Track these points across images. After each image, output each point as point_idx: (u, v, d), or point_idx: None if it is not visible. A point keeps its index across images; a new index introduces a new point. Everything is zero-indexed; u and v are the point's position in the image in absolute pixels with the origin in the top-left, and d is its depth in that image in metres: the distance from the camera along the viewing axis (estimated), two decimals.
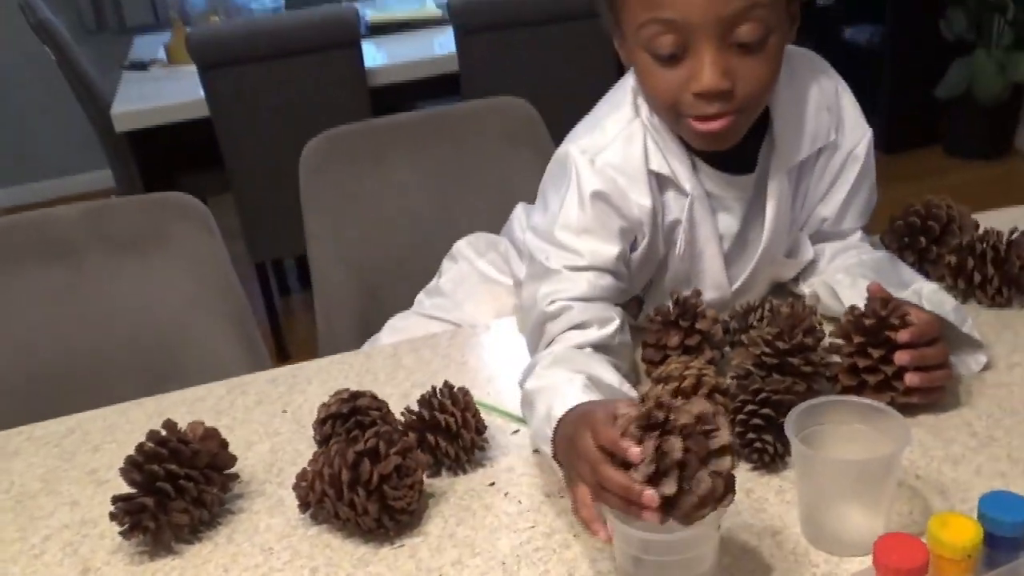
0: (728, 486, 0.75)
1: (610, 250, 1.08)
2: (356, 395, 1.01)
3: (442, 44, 3.15)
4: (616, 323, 1.06)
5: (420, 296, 1.45)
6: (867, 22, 4.16)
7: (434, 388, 1.01)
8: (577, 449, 0.81)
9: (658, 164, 1.09)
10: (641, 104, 1.10)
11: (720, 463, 0.75)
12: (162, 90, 3.03)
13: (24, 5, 3.24)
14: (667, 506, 0.74)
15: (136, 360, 1.50)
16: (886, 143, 4.06)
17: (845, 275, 1.15)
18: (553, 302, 1.06)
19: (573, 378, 0.93)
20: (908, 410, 1.00)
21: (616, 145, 1.09)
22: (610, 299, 1.09)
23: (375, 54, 3.17)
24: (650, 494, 0.73)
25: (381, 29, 3.39)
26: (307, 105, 2.83)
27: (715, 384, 0.97)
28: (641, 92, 1.09)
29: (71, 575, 0.92)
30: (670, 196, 1.11)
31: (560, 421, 0.88)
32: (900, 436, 0.82)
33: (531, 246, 1.12)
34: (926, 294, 1.05)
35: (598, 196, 1.07)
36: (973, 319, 1.14)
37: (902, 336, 0.98)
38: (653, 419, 0.75)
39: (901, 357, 0.98)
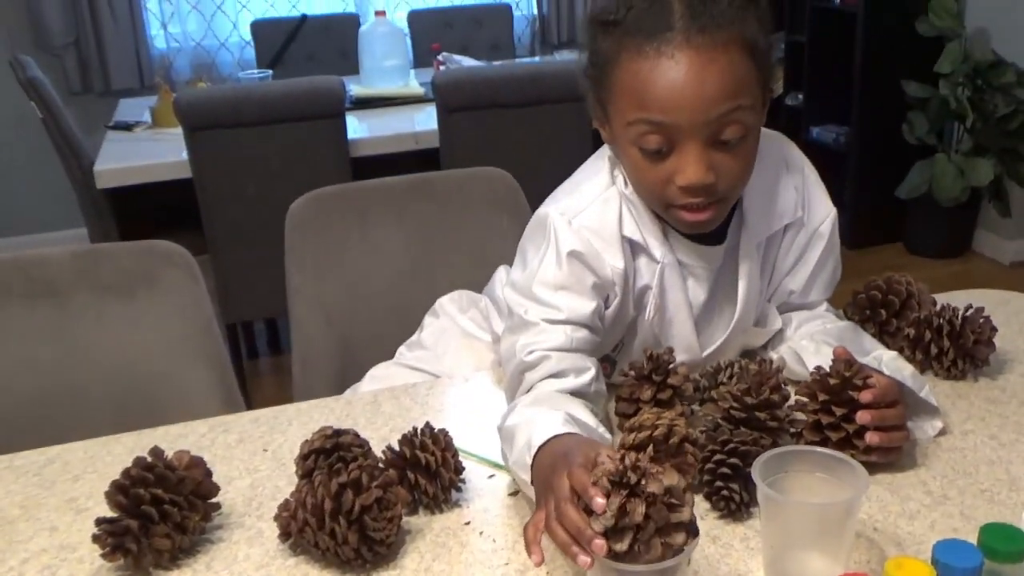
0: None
1: (586, 305, 1.13)
2: (339, 432, 1.04)
3: (422, 120, 3.25)
4: (592, 372, 1.11)
5: (401, 349, 1.49)
6: (833, 122, 4.31)
7: (415, 428, 1.05)
8: (550, 482, 0.86)
9: (631, 231, 1.15)
10: (618, 174, 1.17)
11: (675, 537, 0.79)
12: (145, 150, 3.08)
13: (14, 62, 3.30)
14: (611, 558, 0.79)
15: (115, 400, 1.51)
16: (850, 239, 4.18)
17: (810, 342, 1.21)
18: (532, 352, 1.10)
19: (553, 413, 0.97)
20: (867, 468, 1.04)
21: (593, 208, 1.16)
22: (586, 351, 1.13)
23: (357, 126, 3.25)
24: (600, 543, 0.78)
25: (365, 103, 3.48)
26: (290, 172, 2.89)
27: (685, 435, 1.01)
28: (629, 180, 1.16)
29: None
30: (642, 262, 1.17)
31: (540, 449, 0.93)
32: (858, 483, 0.86)
33: (510, 301, 1.17)
34: (886, 360, 1.11)
35: (574, 255, 1.13)
36: (933, 391, 1.20)
37: (864, 396, 1.04)
38: (625, 478, 0.80)
39: (863, 416, 1.03)
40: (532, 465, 0.93)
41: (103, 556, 0.94)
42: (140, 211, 3.15)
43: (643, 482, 0.80)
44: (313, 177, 2.64)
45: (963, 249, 4.14)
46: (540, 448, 0.93)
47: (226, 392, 1.58)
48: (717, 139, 1.05)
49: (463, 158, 2.91)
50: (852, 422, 1.03)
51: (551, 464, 0.89)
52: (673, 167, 1.06)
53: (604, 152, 1.20)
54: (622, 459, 0.82)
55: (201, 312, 1.59)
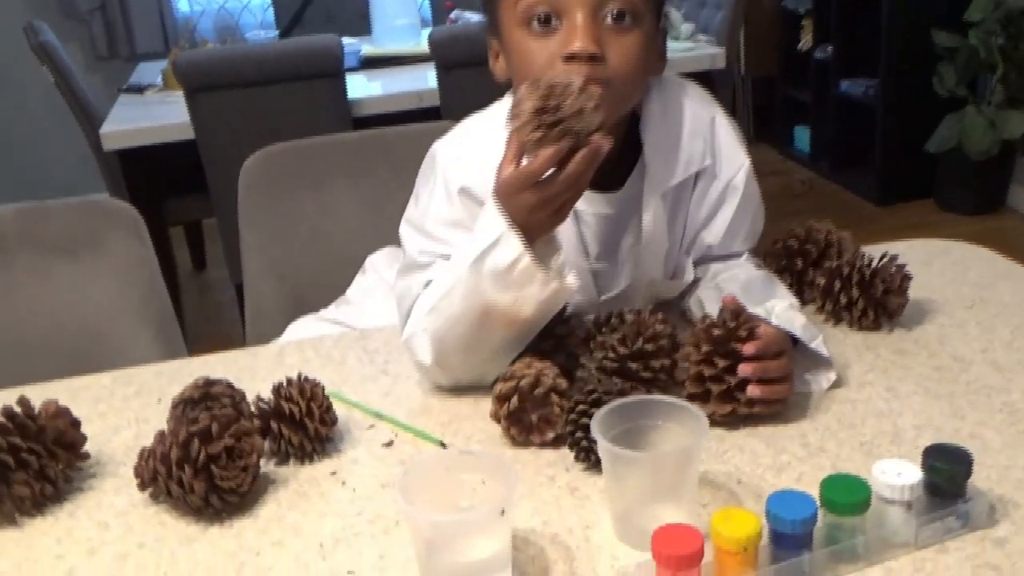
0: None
1: None
2: (211, 383, 1.04)
3: (431, 79, 3.22)
4: None
5: (330, 306, 1.49)
6: (862, 75, 4.19)
7: (287, 379, 1.04)
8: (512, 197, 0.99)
9: None
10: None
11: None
12: (152, 112, 3.11)
13: (27, 28, 3.35)
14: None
15: (56, 359, 1.53)
16: (879, 195, 4.07)
17: (714, 290, 1.18)
18: (428, 283, 1.10)
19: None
20: (750, 421, 1.02)
21: (480, 144, 1.15)
22: None
23: (367, 85, 3.24)
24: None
25: (374, 63, 3.47)
26: (291, 132, 2.87)
27: (553, 385, 0.99)
28: (515, 82, 1.13)
29: None
30: None
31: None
32: (697, 430, 0.84)
33: (404, 237, 1.18)
34: (778, 311, 1.07)
35: (463, 191, 1.14)
36: (840, 341, 1.16)
37: (747, 349, 1.00)
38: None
39: (744, 369, 1.00)
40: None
41: None
42: (150, 174, 3.18)
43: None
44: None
45: (996, 205, 4.00)
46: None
47: (172, 352, 1.59)
48: (605, 16, 1.04)
49: (463, 115, 2.89)
50: (735, 374, 1.00)
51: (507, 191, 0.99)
52: (559, 41, 1.05)
53: (502, 100, 1.19)
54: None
55: (146, 272, 1.60)
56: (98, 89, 3.46)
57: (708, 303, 1.17)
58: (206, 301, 3.91)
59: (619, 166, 1.16)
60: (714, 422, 1.00)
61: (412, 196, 1.22)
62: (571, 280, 1.03)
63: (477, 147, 1.15)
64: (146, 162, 3.05)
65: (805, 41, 4.53)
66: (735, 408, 1.00)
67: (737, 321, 1.02)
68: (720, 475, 0.95)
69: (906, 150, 4.00)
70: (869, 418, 1.02)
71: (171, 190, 3.31)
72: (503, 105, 1.18)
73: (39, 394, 1.21)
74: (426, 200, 1.17)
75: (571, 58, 1.04)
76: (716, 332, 1.02)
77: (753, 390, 1.00)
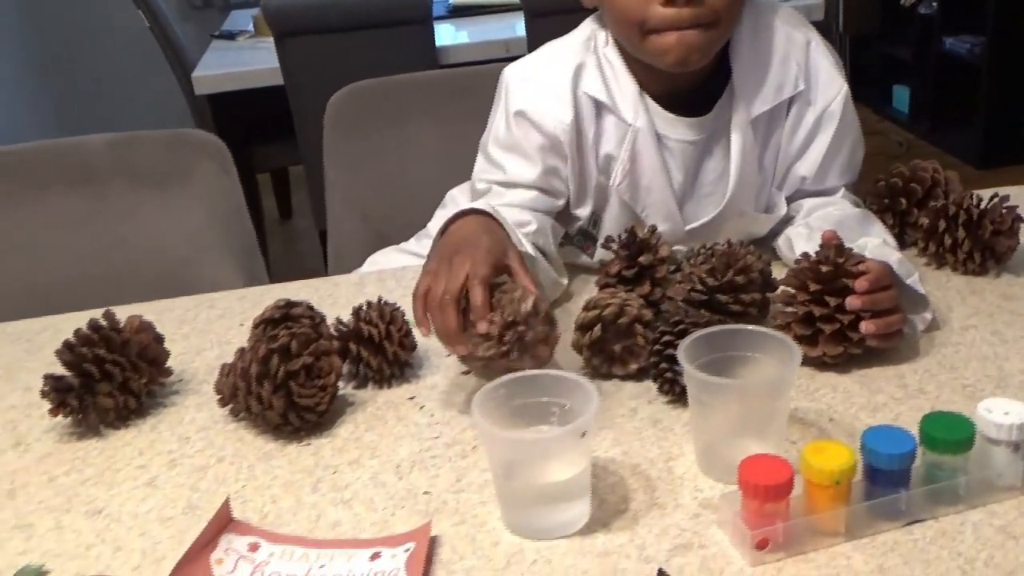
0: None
1: (531, 169, 1.14)
2: (292, 304, 1.03)
3: (519, 28, 3.18)
4: (533, 226, 1.11)
5: (411, 240, 1.48)
6: (968, 32, 4.01)
7: (367, 302, 1.03)
8: (450, 259, 0.91)
9: (595, 89, 1.11)
10: (597, 35, 1.12)
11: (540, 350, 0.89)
12: (243, 58, 3.14)
13: None
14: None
15: (144, 285, 1.55)
16: (981, 157, 3.91)
17: (805, 228, 1.13)
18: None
19: (480, 202, 1.04)
20: (844, 365, 0.97)
21: (545, 66, 1.15)
22: (536, 210, 1.14)
23: (454, 34, 3.23)
24: (461, 349, 0.89)
25: (463, 11, 3.44)
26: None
27: (637, 315, 0.96)
28: (608, 19, 1.11)
29: (3, 446, 0.97)
30: (609, 123, 1.13)
31: (456, 220, 1.00)
32: (789, 362, 0.80)
33: (476, 165, 1.21)
34: (871, 248, 1.02)
35: (520, 114, 1.14)
36: (942, 284, 1.11)
37: (860, 284, 0.94)
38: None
39: (853, 302, 0.94)
40: (444, 230, 1.00)
41: (49, 412, 0.96)
42: (239, 119, 3.22)
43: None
44: None
45: None
46: (456, 219, 0.99)
47: (254, 282, 1.60)
48: None
49: None
50: (846, 312, 0.94)
51: (459, 241, 0.95)
52: None
53: (578, 28, 1.18)
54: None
55: (231, 203, 1.61)
56: (191, 37, 3.50)
57: (798, 241, 1.12)
58: (290, 249, 3.95)
59: (707, 90, 1.12)
60: (818, 363, 0.96)
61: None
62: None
63: (541, 72, 1.15)
64: (236, 108, 3.08)
65: None
66: (847, 348, 0.95)
67: (843, 256, 0.97)
68: (811, 412, 0.91)
69: (1011, 111, 3.83)
70: (972, 361, 0.97)
71: (259, 136, 3.34)
72: (579, 34, 1.17)
73: (123, 315, 1.23)
74: (491, 123, 1.18)
75: (670, 2, 1.01)
76: (824, 269, 0.96)
77: (868, 326, 0.94)
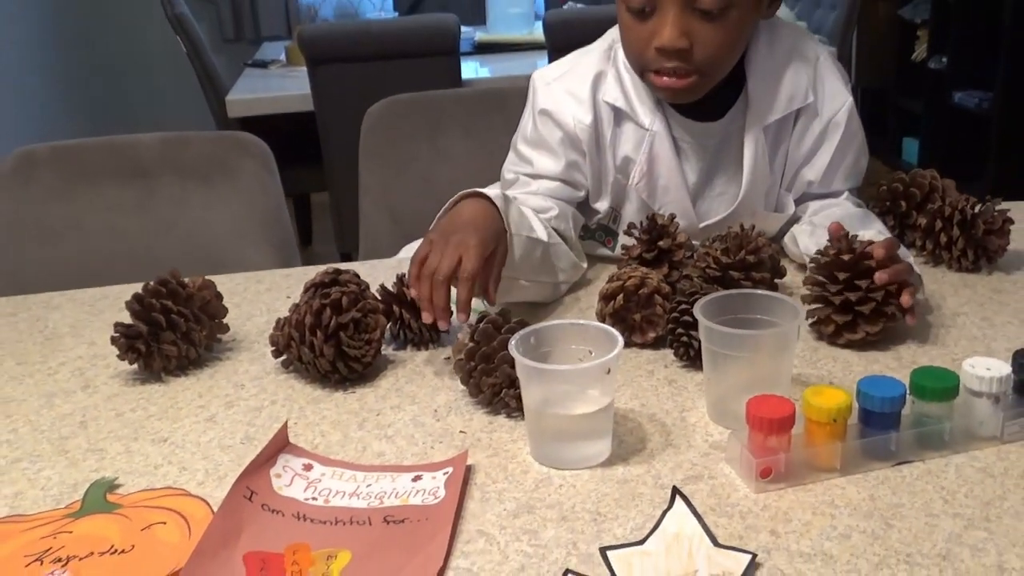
0: None
1: (555, 163, 1.25)
2: (340, 271, 1.13)
3: (541, 65, 3.31)
4: (555, 211, 1.21)
5: None
6: (978, 88, 4.13)
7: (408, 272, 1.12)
8: (448, 236, 1.02)
9: (612, 96, 1.21)
10: (616, 47, 1.23)
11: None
12: (275, 84, 3.28)
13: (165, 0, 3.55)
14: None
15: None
16: None
17: (809, 225, 1.23)
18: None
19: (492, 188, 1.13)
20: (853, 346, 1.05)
21: (571, 72, 1.26)
22: (557, 199, 1.24)
23: (478, 68, 3.35)
24: (443, 325, 1.02)
25: (487, 48, 3.58)
26: None
27: (657, 287, 1.05)
28: (622, 44, 1.22)
29: (74, 388, 1.07)
30: (628, 128, 1.23)
31: (464, 197, 1.09)
32: (792, 315, 0.89)
33: (507, 159, 1.31)
34: (867, 238, 1.10)
35: (544, 112, 1.25)
36: (938, 279, 1.20)
37: (877, 252, 1.02)
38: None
39: (881, 277, 1.01)
40: (448, 208, 1.10)
41: (118, 356, 1.06)
42: (273, 144, 3.33)
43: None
44: None
45: None
46: (462, 198, 1.09)
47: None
48: (696, 7, 1.09)
49: None
50: (878, 289, 1.02)
51: (461, 223, 1.05)
52: (652, 28, 1.11)
53: (608, 32, 1.27)
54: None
55: (272, 199, 1.72)
56: (223, 68, 3.64)
57: (801, 237, 1.22)
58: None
59: (722, 98, 1.22)
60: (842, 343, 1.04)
61: None
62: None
63: (564, 78, 1.26)
64: (264, 133, 3.19)
65: (920, 51, 4.49)
66: (885, 323, 1.03)
67: (855, 243, 1.05)
68: (812, 377, 1.00)
69: (1019, 164, 3.93)
70: (962, 340, 1.06)
71: (285, 162, 3.44)
72: (601, 44, 1.28)
73: None
74: (521, 122, 1.30)
75: (660, 50, 1.12)
76: (846, 258, 1.04)
77: (906, 299, 1.02)
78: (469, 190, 1.12)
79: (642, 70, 1.17)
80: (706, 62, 1.12)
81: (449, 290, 1.01)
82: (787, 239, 1.26)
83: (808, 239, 1.19)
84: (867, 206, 1.31)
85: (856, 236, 1.07)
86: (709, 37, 1.10)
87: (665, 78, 1.14)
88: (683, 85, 1.14)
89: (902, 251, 1.09)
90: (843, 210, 1.24)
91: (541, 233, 1.15)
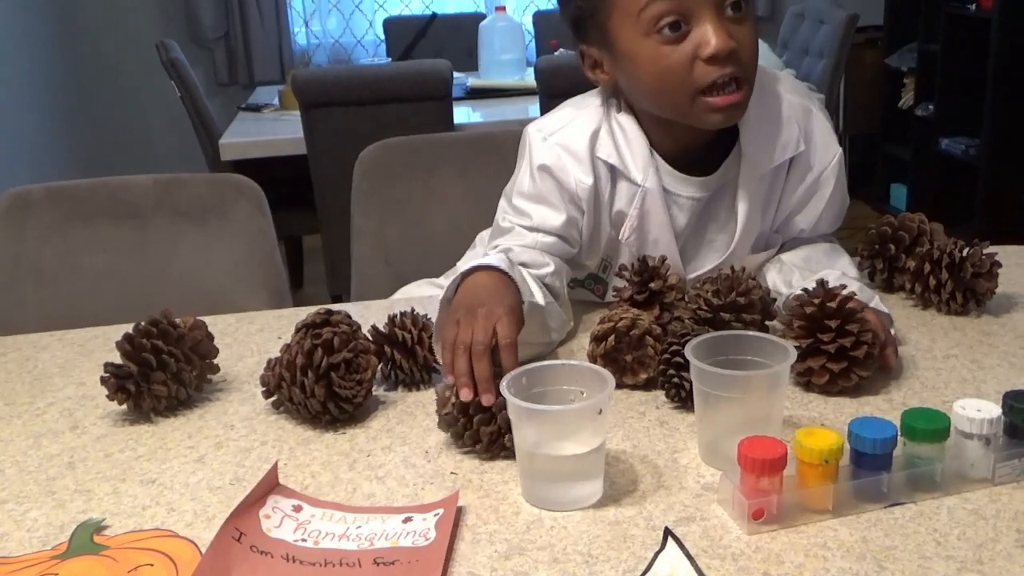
0: None
1: (556, 216, 1.23)
2: (331, 312, 1.13)
3: (533, 111, 3.34)
4: (551, 268, 1.20)
5: (441, 277, 1.58)
6: (964, 134, 4.18)
7: (402, 312, 1.13)
8: (475, 311, 0.99)
9: (607, 153, 1.21)
10: (611, 104, 1.23)
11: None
12: (268, 128, 3.30)
13: (160, 44, 3.58)
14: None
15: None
16: None
17: (777, 262, 1.27)
18: (496, 247, 1.21)
19: (493, 254, 1.12)
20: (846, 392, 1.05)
21: (567, 128, 1.24)
22: (553, 255, 1.23)
23: (470, 114, 3.38)
24: (489, 398, 0.93)
25: (479, 94, 3.61)
26: None
27: (648, 329, 1.05)
28: (640, 89, 1.18)
29: (62, 428, 1.06)
30: (622, 185, 1.23)
31: (470, 274, 1.08)
32: (783, 356, 0.89)
33: (499, 209, 1.29)
34: (832, 279, 1.11)
35: (544, 168, 1.22)
36: (927, 322, 1.21)
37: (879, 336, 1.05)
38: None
39: (891, 361, 1.08)
40: (458, 287, 1.08)
41: (108, 397, 1.05)
42: (265, 187, 3.35)
43: None
44: None
45: None
46: (470, 273, 1.07)
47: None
48: (726, 8, 1.09)
49: None
50: (870, 329, 1.03)
51: (483, 295, 1.02)
52: (695, 41, 1.08)
53: (594, 91, 1.27)
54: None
55: (265, 241, 1.72)
56: (217, 111, 3.67)
57: (769, 274, 1.26)
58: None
59: (714, 151, 1.23)
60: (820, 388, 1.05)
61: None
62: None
63: (560, 134, 1.24)
64: (257, 176, 3.21)
65: (907, 99, 4.55)
66: (872, 364, 1.03)
67: (832, 288, 1.05)
68: (804, 419, 1.00)
69: (1007, 210, 3.97)
70: (952, 383, 1.06)
71: (278, 205, 3.45)
72: (594, 99, 1.26)
73: None
74: (516, 176, 1.28)
75: (712, 59, 1.09)
76: (832, 306, 1.03)
77: (891, 360, 1.07)
78: (472, 265, 1.10)
79: (693, 96, 1.11)
80: (749, 65, 1.12)
81: (491, 361, 0.97)
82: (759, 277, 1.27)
83: (776, 276, 1.21)
84: (856, 249, 1.32)
85: (827, 281, 1.07)
86: (743, 37, 1.10)
87: (721, 98, 1.10)
88: (739, 98, 1.11)
89: (863, 293, 1.11)
90: (810, 244, 1.26)
91: (539, 298, 1.13)
